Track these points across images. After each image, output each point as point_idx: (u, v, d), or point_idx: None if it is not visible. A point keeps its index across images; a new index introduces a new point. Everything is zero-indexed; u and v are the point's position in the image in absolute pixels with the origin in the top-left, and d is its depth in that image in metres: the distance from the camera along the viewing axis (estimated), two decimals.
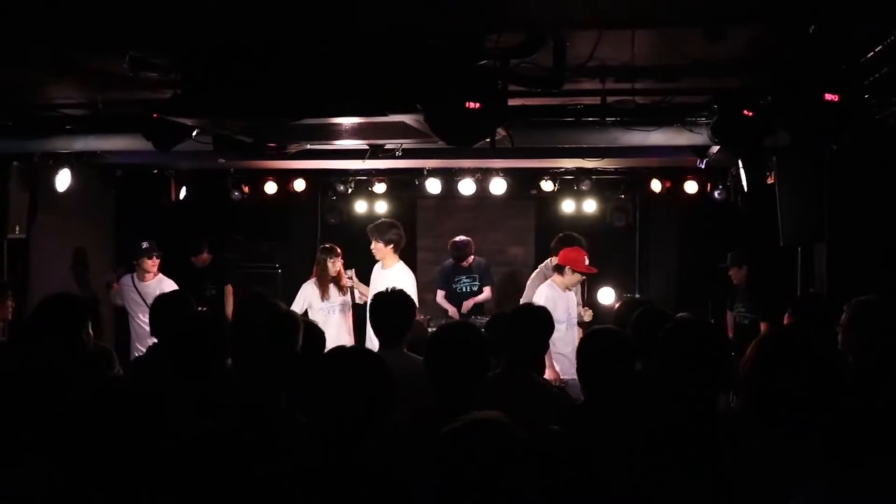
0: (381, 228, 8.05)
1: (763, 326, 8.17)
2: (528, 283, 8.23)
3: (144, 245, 8.51)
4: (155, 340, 5.13)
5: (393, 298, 4.85)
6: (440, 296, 9.99)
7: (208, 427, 2.88)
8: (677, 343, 3.40)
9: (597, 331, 4.06)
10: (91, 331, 4.69)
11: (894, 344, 3.91)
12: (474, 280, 9.88)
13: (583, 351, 3.90)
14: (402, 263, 8.00)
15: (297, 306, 8.23)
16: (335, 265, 8.45)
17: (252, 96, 4.78)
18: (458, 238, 10.06)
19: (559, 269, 7.48)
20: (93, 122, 7.58)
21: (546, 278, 7.76)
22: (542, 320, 4.63)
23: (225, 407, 3.35)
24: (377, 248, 7.99)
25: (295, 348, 3.40)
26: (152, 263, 8.52)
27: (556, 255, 7.66)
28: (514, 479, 2.27)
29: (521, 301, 7.78)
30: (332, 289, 8.41)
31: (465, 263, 9.91)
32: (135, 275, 8.58)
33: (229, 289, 9.61)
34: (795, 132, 4.79)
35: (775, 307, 7.25)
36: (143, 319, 8.06)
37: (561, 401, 4.35)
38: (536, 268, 8.55)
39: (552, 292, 7.30)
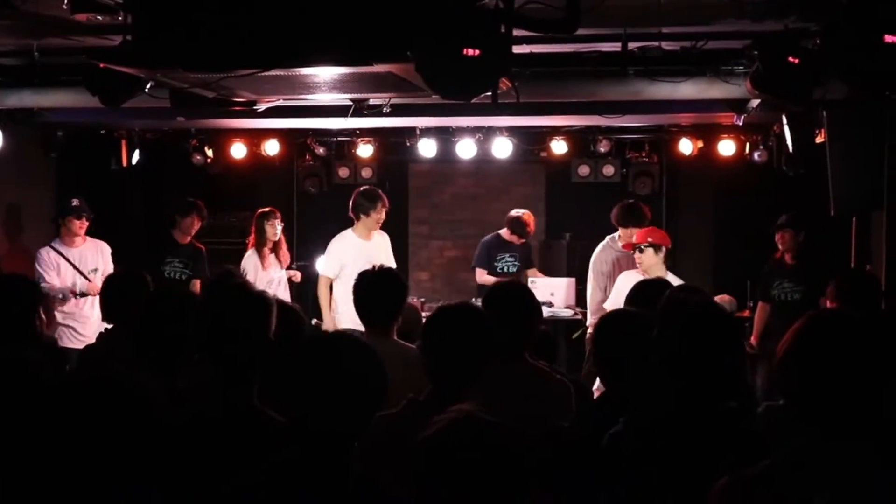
0: (353, 201, 8.48)
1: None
2: (601, 266, 8.43)
3: (74, 202, 8.41)
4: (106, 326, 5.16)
5: (381, 277, 4.86)
6: (481, 275, 9.93)
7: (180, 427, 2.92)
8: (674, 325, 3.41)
9: (614, 314, 4.04)
10: (43, 315, 4.71)
11: None
12: (516, 259, 9.87)
13: (599, 338, 3.88)
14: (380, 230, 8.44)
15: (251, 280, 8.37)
16: (274, 229, 8.63)
17: (215, 43, 4.74)
18: (518, 213, 9.98)
19: (656, 248, 7.61)
20: (27, 74, 7.50)
21: (618, 258, 8.19)
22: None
23: (194, 403, 3.37)
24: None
25: (267, 335, 3.38)
26: (80, 225, 8.40)
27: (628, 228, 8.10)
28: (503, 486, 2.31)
29: (611, 293, 7.91)
30: (272, 258, 8.56)
31: (518, 240, 9.88)
32: (57, 241, 8.45)
33: (197, 284, 9.54)
34: (850, 82, 4.75)
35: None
36: (77, 293, 8.09)
37: (565, 390, 4.35)
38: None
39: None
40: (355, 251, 8.15)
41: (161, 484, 2.60)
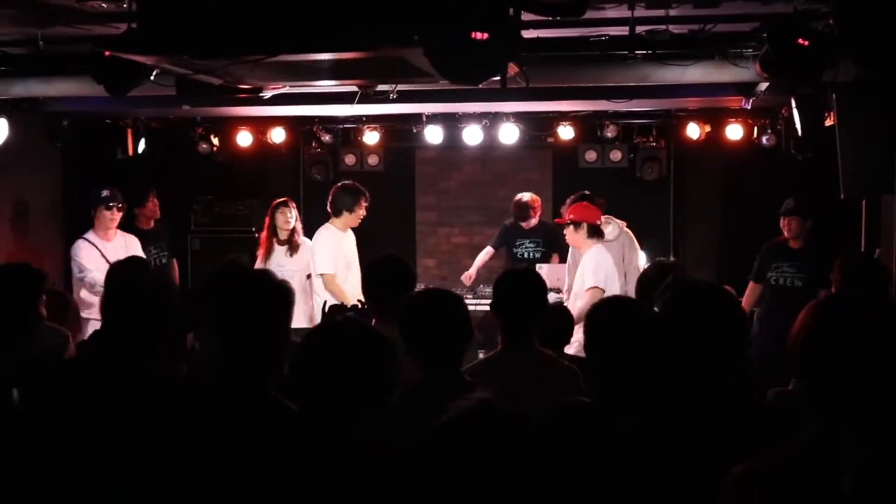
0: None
1: (822, 294, 8.12)
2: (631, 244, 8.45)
3: (105, 193, 8.24)
4: None
5: (392, 263, 4.89)
6: (482, 255, 9.91)
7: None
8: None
9: (608, 301, 3.98)
10: (44, 309, 4.69)
11: None
12: (538, 245, 9.76)
13: (590, 328, 3.80)
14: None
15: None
16: (285, 217, 8.65)
17: (220, 29, 4.70)
18: (520, 196, 9.90)
19: (575, 225, 7.72)
20: (33, 63, 7.48)
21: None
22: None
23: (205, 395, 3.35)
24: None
25: (288, 326, 3.38)
26: (111, 216, 8.23)
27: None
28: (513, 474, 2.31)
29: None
30: (281, 250, 8.60)
31: (526, 225, 9.79)
32: (91, 233, 8.28)
33: (174, 264, 9.50)
34: (862, 63, 4.70)
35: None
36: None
37: (573, 376, 4.32)
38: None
39: None
40: (342, 245, 8.16)
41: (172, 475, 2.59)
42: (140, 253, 8.24)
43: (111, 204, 8.24)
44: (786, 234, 8.35)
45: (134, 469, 2.51)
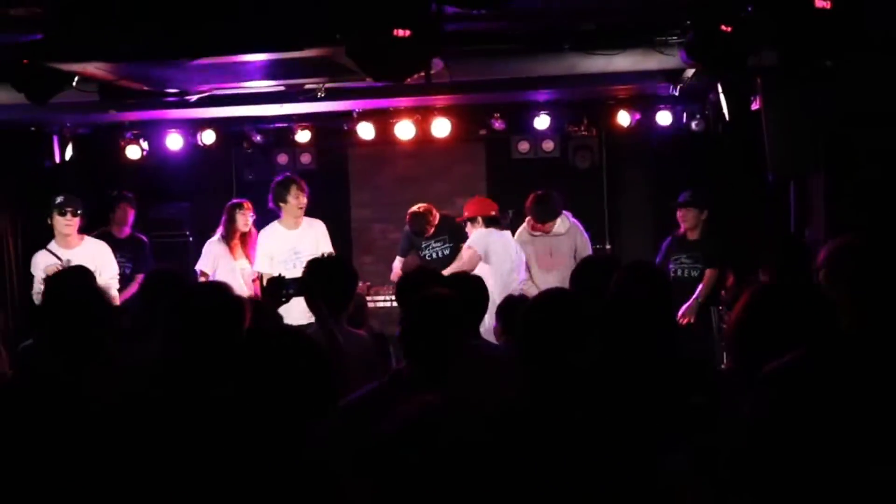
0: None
1: (708, 273, 8.26)
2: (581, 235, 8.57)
3: (58, 199, 7.84)
4: None
5: (333, 264, 4.85)
6: (397, 264, 9.76)
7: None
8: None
9: (543, 295, 3.97)
10: None
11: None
12: (444, 242, 9.62)
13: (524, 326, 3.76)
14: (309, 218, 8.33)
15: (207, 265, 8.46)
16: (245, 219, 8.58)
17: (140, 32, 4.63)
18: (414, 208, 9.73)
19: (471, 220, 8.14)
20: None
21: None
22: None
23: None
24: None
25: (240, 335, 3.34)
26: (67, 223, 7.80)
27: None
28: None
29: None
30: (241, 251, 8.55)
31: (426, 234, 9.66)
32: (53, 243, 7.92)
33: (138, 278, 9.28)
34: (783, 48, 4.75)
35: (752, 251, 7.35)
36: None
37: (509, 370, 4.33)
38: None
39: None
40: (281, 242, 8.05)
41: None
42: (110, 260, 8.01)
43: (65, 209, 7.81)
44: (682, 225, 8.45)
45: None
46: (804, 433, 2.33)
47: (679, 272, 8.38)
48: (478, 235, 7.92)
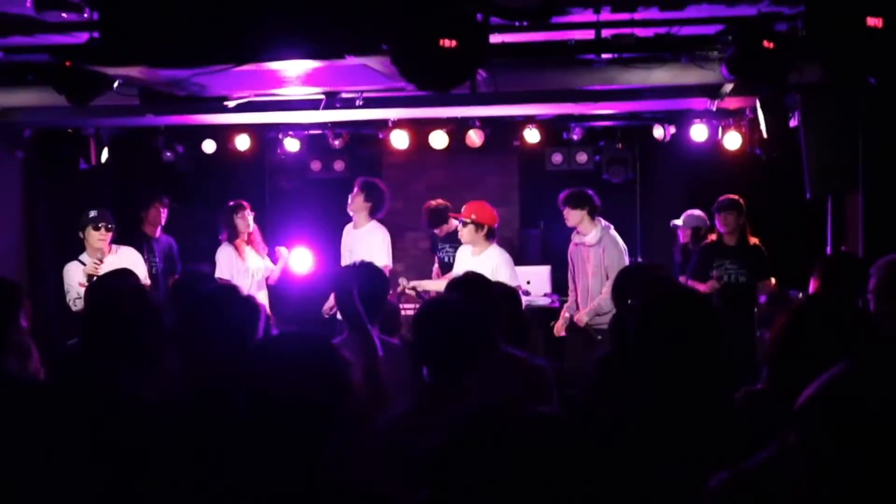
0: (370, 183, 8.63)
1: (768, 285, 8.22)
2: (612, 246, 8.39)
3: (92, 213, 7.87)
4: None
5: (361, 272, 4.79)
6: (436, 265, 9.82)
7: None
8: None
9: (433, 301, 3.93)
10: (25, 322, 4.57)
11: None
12: (457, 248, 9.62)
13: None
14: (375, 222, 8.56)
15: (224, 272, 8.45)
16: (245, 221, 8.65)
17: (185, 38, 4.65)
18: (432, 202, 9.86)
19: (477, 226, 7.87)
20: None
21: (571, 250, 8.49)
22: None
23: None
24: (356, 200, 8.51)
25: (253, 339, 3.31)
26: (101, 237, 7.83)
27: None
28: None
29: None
30: (249, 250, 8.64)
31: (439, 232, 9.74)
32: (84, 255, 7.90)
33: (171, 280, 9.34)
34: (829, 65, 4.71)
35: (788, 268, 7.30)
36: None
37: (544, 377, 4.31)
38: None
39: None
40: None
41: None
42: (141, 265, 8.02)
43: (99, 224, 7.85)
44: (723, 229, 8.45)
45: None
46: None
47: (727, 278, 8.31)
48: (506, 263, 7.81)
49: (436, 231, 9.76)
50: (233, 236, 8.64)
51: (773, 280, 8.20)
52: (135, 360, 3.58)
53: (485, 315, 3.67)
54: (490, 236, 7.80)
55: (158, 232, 9.42)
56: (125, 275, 5.15)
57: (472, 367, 3.54)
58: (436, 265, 9.80)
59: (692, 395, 3.14)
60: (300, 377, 2.59)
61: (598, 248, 8.26)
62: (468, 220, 7.79)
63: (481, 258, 7.64)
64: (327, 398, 2.61)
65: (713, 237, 8.59)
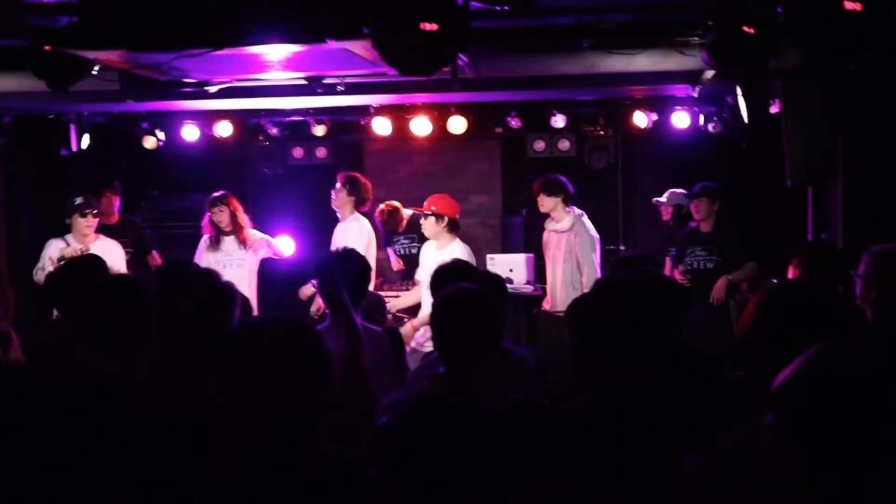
0: (351, 177, 8.63)
1: (747, 269, 8.18)
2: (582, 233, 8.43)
3: (78, 200, 8.09)
4: None
5: (344, 258, 4.80)
6: (392, 255, 9.85)
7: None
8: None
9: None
10: None
11: None
12: (413, 241, 9.56)
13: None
14: (357, 215, 8.51)
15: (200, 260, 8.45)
16: (223, 214, 8.61)
17: (164, 22, 4.62)
18: (382, 206, 9.77)
19: (437, 217, 7.82)
20: None
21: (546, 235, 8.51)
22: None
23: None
24: (340, 195, 8.49)
25: (229, 327, 3.30)
26: (88, 224, 8.06)
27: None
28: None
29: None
30: (229, 240, 8.61)
31: (399, 230, 9.71)
32: (69, 237, 8.10)
33: (154, 256, 9.34)
34: (808, 50, 4.73)
35: (769, 256, 7.32)
36: None
37: (524, 364, 4.34)
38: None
39: None
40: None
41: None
42: (121, 256, 8.19)
43: (86, 211, 8.08)
44: (696, 216, 8.48)
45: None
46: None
47: (695, 264, 8.35)
48: (468, 253, 7.65)
49: (397, 230, 9.69)
50: (208, 228, 8.65)
51: (752, 264, 8.18)
52: (117, 346, 3.59)
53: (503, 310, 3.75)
54: (452, 228, 7.78)
55: (115, 219, 9.23)
56: (94, 262, 5.13)
57: (486, 357, 3.59)
58: (392, 256, 9.78)
59: (645, 383, 3.17)
60: (281, 362, 2.58)
61: (570, 233, 8.34)
62: (429, 213, 7.78)
63: (445, 252, 7.62)
64: (308, 382, 2.62)
65: (693, 224, 8.63)
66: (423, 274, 7.57)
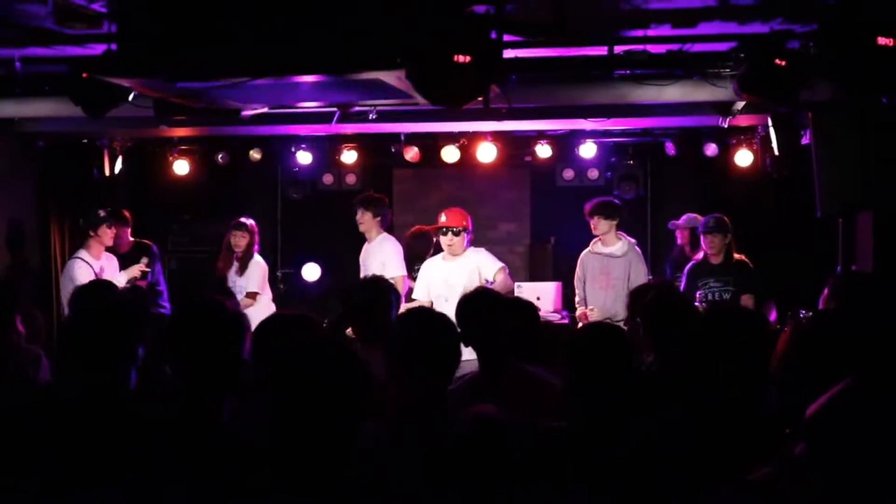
0: (369, 198, 8.51)
1: (745, 301, 8.02)
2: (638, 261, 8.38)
3: (102, 213, 8.44)
4: None
5: (370, 285, 4.82)
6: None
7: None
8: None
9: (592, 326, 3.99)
10: (21, 327, 4.62)
11: None
12: None
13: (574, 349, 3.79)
14: (386, 234, 8.44)
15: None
16: (236, 240, 8.82)
17: (201, 52, 4.69)
18: (414, 229, 9.67)
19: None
20: (9, 84, 7.41)
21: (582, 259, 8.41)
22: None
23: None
24: (365, 217, 8.34)
25: (240, 355, 3.32)
26: (112, 234, 8.44)
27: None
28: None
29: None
30: (236, 266, 8.85)
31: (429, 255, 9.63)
32: (84, 251, 8.36)
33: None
34: (840, 83, 4.74)
35: (798, 287, 7.29)
36: None
37: (554, 392, 4.33)
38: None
39: None
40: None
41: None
42: (117, 272, 8.40)
43: (111, 223, 8.45)
44: (709, 251, 8.34)
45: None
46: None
47: (710, 296, 8.28)
48: (483, 252, 7.88)
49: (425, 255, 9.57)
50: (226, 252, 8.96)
51: (751, 297, 8.12)
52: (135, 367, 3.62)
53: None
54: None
55: (125, 247, 9.02)
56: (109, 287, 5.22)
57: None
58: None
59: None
60: (329, 380, 2.56)
61: (624, 260, 8.24)
62: (460, 229, 7.76)
63: (460, 261, 7.63)
64: (352, 398, 2.63)
65: (699, 256, 8.53)
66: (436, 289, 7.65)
